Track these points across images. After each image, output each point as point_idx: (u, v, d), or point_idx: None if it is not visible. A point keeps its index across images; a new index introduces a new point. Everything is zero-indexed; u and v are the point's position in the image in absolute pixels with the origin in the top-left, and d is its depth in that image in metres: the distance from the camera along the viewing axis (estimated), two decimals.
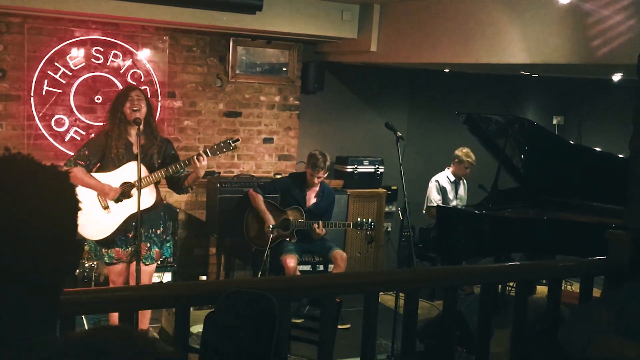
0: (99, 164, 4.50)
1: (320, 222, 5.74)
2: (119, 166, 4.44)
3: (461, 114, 6.11)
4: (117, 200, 4.44)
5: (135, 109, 4.36)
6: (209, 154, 4.41)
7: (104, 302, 2.59)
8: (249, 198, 5.91)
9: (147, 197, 4.37)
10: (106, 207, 4.44)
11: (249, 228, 5.95)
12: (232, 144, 4.49)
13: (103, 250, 4.53)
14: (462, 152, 6.74)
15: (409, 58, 5.90)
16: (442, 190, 6.76)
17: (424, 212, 6.86)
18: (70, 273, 1.09)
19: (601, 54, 4.19)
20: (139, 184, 4.24)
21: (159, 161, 4.47)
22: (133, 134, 4.40)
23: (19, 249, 0.98)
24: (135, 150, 4.36)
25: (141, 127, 4.36)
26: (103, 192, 4.41)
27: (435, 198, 6.72)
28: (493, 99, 7.95)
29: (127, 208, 4.44)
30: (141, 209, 4.32)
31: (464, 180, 6.94)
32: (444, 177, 6.82)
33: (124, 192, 4.43)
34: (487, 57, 5.06)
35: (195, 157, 4.33)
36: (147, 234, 4.52)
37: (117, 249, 4.52)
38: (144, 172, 4.33)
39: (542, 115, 8.13)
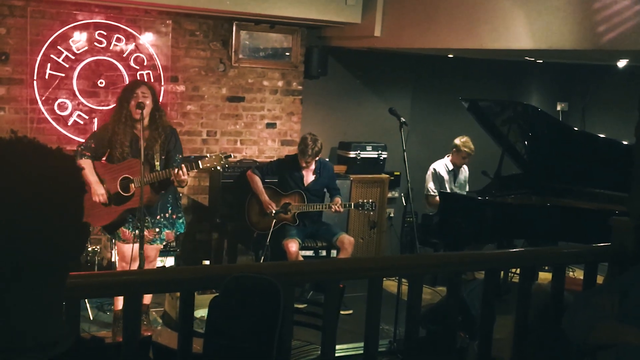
0: (108, 153, 4.65)
1: (337, 199, 5.86)
2: (121, 161, 4.57)
3: (465, 100, 6.09)
4: (113, 197, 4.54)
5: (139, 108, 4.42)
6: (194, 168, 4.47)
7: (109, 286, 2.60)
8: (247, 179, 5.94)
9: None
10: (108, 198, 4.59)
11: (250, 213, 5.97)
12: (224, 159, 4.53)
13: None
14: (460, 141, 6.68)
15: (413, 43, 5.87)
16: (440, 179, 6.73)
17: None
18: (77, 256, 1.09)
19: (607, 39, 4.16)
20: (142, 180, 4.33)
21: (162, 157, 4.57)
22: (139, 128, 4.50)
23: (25, 231, 0.98)
24: (141, 144, 4.44)
25: (146, 120, 4.43)
26: (94, 192, 4.51)
27: (431, 187, 6.71)
28: (497, 84, 7.92)
29: (125, 202, 4.58)
30: (134, 207, 4.48)
31: (465, 167, 6.92)
32: (442, 165, 6.79)
33: (123, 186, 4.56)
34: (491, 43, 5.03)
35: (175, 170, 4.40)
36: (154, 220, 4.66)
37: (124, 230, 4.68)
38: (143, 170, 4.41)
39: (546, 102, 8.09)
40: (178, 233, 4.94)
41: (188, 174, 4.45)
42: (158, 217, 4.69)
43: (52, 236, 1.01)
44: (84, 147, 4.61)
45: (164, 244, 4.88)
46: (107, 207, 4.56)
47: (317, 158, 5.87)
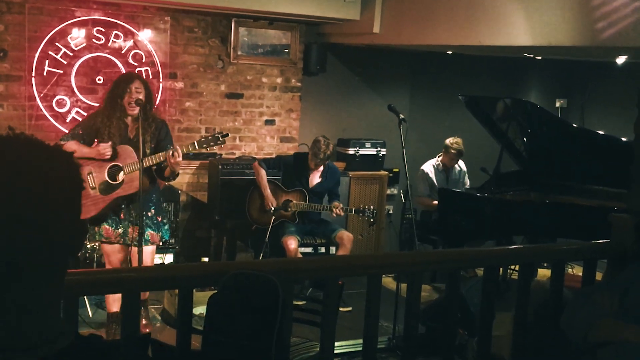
0: (96, 142, 4.53)
1: (337, 203, 5.81)
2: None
3: (464, 97, 6.08)
4: (105, 187, 4.47)
5: (132, 103, 4.37)
6: (196, 147, 4.44)
7: (107, 283, 2.59)
8: (254, 170, 5.96)
9: (131, 183, 4.39)
10: (93, 188, 4.47)
11: (251, 207, 5.97)
12: (221, 139, 4.49)
13: (96, 228, 4.56)
14: (449, 141, 6.65)
15: (411, 40, 5.86)
16: (428, 180, 6.70)
17: None
18: (75, 254, 1.08)
19: (606, 36, 4.15)
20: (141, 167, 4.26)
21: (152, 145, 4.48)
22: (130, 119, 4.45)
23: (23, 229, 0.97)
24: (131, 135, 4.39)
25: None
26: (99, 154, 4.41)
27: (419, 188, 6.67)
28: (496, 81, 7.91)
29: (113, 190, 4.47)
30: (125, 194, 4.42)
31: (461, 164, 6.87)
32: (430, 166, 6.74)
33: (111, 175, 4.46)
34: (490, 39, 5.02)
35: (170, 152, 4.33)
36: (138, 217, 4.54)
37: (107, 227, 4.53)
38: (133, 158, 4.36)
39: (545, 98, 8.09)
40: (164, 239, 4.80)
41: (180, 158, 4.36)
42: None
43: (50, 234, 1.00)
44: (71, 135, 4.51)
45: (150, 245, 4.67)
46: (93, 197, 4.44)
47: (327, 162, 5.89)
